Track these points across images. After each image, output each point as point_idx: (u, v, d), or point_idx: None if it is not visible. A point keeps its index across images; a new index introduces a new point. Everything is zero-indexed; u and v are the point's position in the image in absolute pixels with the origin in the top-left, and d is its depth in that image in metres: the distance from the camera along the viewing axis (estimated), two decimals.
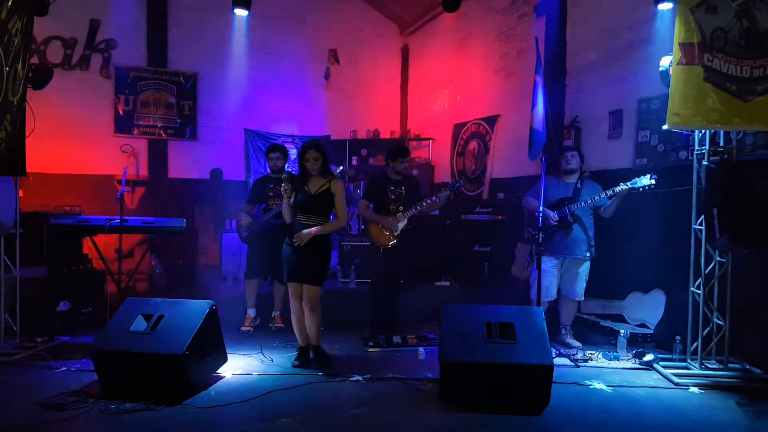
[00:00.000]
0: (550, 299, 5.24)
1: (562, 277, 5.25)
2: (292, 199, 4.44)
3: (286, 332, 5.31)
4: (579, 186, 5.17)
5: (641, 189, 4.75)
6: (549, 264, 5.14)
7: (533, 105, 6.11)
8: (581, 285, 5.21)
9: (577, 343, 5.17)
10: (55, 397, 3.71)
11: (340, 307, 5.78)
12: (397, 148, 5.67)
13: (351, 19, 9.94)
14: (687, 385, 4.12)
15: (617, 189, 4.85)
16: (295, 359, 4.57)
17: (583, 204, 5.04)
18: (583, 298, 5.28)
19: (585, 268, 5.20)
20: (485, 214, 7.24)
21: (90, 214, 6.43)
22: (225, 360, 4.28)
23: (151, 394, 3.65)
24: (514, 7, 7.82)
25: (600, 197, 4.97)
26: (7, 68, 4.26)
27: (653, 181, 4.70)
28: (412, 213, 5.45)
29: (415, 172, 8.87)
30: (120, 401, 3.59)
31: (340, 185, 4.52)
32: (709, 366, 4.45)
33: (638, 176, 4.78)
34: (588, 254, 5.16)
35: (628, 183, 4.79)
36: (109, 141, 8.48)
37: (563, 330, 5.31)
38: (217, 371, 4.20)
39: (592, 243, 5.18)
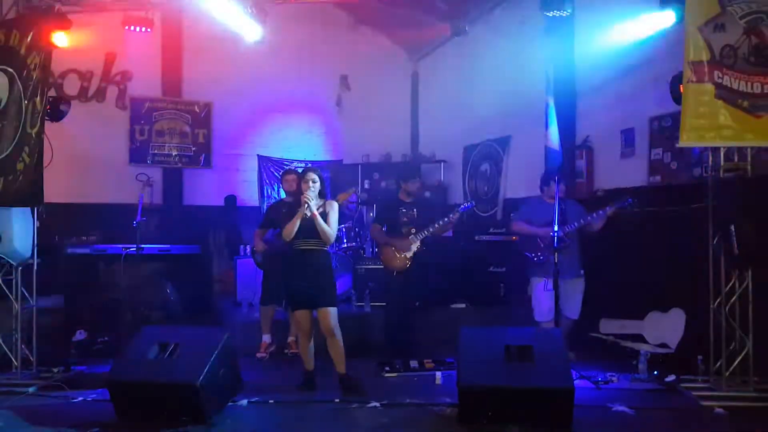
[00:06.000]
0: (548, 320, 5.24)
1: (560, 297, 5.22)
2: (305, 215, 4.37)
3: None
4: (563, 207, 5.26)
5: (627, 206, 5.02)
6: (548, 286, 5.17)
7: (546, 126, 6.19)
8: (579, 304, 5.35)
9: (570, 355, 5.14)
10: (71, 428, 3.70)
11: (355, 332, 5.74)
12: (408, 169, 5.71)
13: (362, 47, 10.03)
14: (711, 407, 4.03)
15: (608, 209, 5.09)
16: (301, 384, 4.56)
17: (576, 225, 5.20)
18: (577, 317, 5.36)
19: (580, 287, 5.35)
20: (499, 234, 7.20)
21: (106, 242, 6.49)
22: (241, 387, 4.26)
23: (167, 423, 3.63)
24: (521, 29, 7.86)
25: (592, 217, 5.17)
26: (26, 102, 4.37)
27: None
28: (424, 235, 5.44)
29: (427, 194, 8.88)
30: (137, 431, 3.57)
31: (335, 205, 4.59)
32: (734, 386, 4.35)
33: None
34: (582, 272, 5.33)
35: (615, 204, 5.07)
36: (124, 170, 8.58)
37: None
38: (234, 399, 4.17)
39: (581, 261, 5.36)
